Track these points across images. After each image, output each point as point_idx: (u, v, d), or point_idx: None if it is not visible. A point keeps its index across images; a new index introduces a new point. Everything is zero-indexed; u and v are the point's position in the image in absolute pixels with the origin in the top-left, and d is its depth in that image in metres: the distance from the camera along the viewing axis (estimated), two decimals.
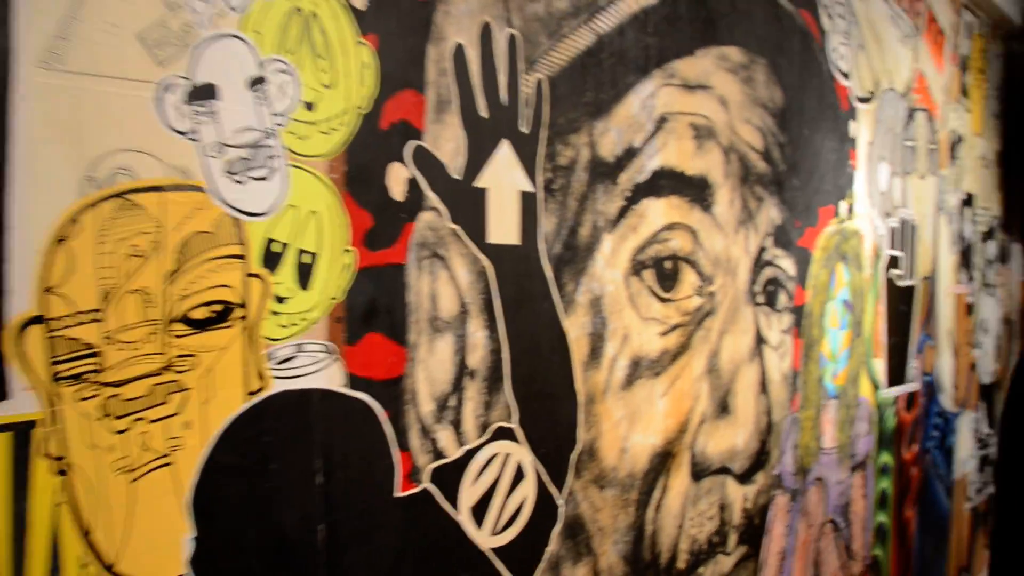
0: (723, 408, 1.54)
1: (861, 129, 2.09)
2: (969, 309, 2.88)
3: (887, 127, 2.24)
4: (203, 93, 0.87)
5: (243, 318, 0.90)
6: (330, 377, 0.97)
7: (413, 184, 1.06)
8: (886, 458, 2.27)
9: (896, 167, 2.29)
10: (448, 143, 1.10)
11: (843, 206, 1.98)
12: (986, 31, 3.14)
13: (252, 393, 0.91)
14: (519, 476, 1.19)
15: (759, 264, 1.65)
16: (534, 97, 1.21)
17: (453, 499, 1.10)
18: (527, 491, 1.20)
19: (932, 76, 2.61)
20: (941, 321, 2.61)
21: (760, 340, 1.65)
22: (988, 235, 3.11)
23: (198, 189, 0.86)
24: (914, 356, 2.39)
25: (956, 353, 2.74)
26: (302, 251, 0.96)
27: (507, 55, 1.17)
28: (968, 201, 2.92)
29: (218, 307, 0.88)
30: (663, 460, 1.41)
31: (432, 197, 1.07)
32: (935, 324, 2.56)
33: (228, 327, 0.89)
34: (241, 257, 0.90)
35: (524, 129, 1.19)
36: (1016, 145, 3.20)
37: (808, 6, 1.86)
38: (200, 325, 0.87)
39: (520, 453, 1.19)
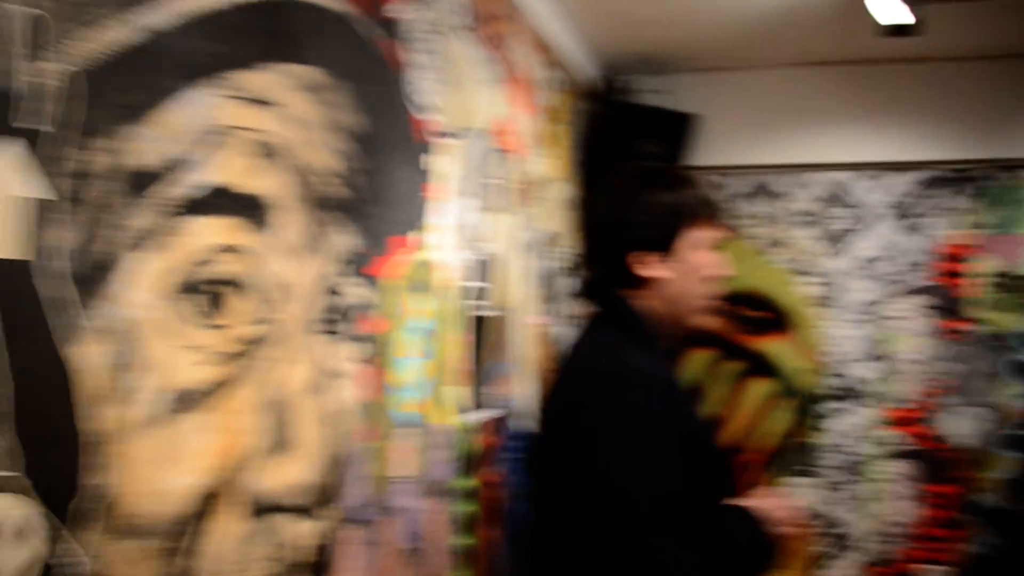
0: (282, 442, 1.47)
1: (445, 163, 2.15)
2: (549, 339, 3.10)
3: (472, 165, 2.34)
4: None
5: None
6: None
7: None
8: (469, 482, 2.34)
9: (482, 203, 2.40)
10: None
11: (420, 236, 2.02)
12: (570, 88, 3.45)
13: None
14: (20, 535, 1.01)
15: (328, 291, 1.60)
16: (59, 91, 1.05)
17: None
18: (28, 552, 1.03)
19: (521, 121, 2.80)
20: (521, 350, 2.77)
21: (326, 369, 1.60)
22: (569, 271, 3.39)
23: None
24: (492, 383, 2.51)
25: (537, 379, 2.93)
26: None
27: (22, 38, 1.00)
28: (552, 240, 3.16)
29: None
30: (209, 501, 1.29)
31: None
32: (515, 352, 2.72)
33: None
34: None
35: (40, 126, 1.03)
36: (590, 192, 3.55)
37: (389, 37, 1.88)
38: None
39: (22, 507, 1.02)
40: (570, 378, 1.44)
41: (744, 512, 1.42)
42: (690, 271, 1.45)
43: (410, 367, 1.97)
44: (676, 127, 3.59)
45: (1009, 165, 3.63)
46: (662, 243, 1.44)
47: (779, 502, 1.47)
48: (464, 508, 2.32)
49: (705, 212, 1.47)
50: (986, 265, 3.64)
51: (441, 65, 2.14)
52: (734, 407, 3.77)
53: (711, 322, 1.54)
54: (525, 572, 1.48)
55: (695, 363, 3.79)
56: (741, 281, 3.78)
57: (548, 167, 3.13)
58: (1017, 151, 3.61)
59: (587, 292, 1.55)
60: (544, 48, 3.09)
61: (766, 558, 1.42)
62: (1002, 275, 3.63)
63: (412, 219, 1.99)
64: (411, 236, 1.98)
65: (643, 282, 1.45)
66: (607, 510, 1.28)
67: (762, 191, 3.85)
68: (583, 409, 1.35)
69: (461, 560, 2.30)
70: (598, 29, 3.34)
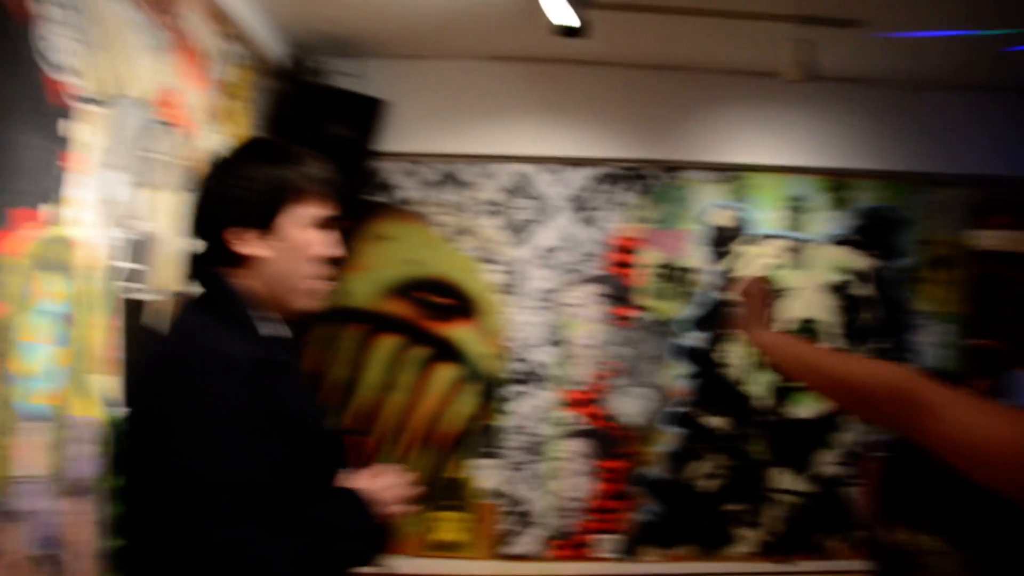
0: None
1: (88, 132, 1.96)
2: None
3: (126, 136, 2.15)
4: None
5: None
6: None
7: None
8: (122, 479, 2.16)
9: (136, 179, 2.22)
10: None
11: (55, 210, 1.82)
12: (253, 64, 3.30)
13: None
14: None
15: None
16: None
17: None
18: None
19: (188, 94, 2.62)
20: None
21: None
22: None
23: None
24: None
25: None
26: None
27: None
28: None
29: None
30: None
31: None
32: None
33: None
34: None
35: None
36: None
37: None
38: None
39: None
40: (152, 363, 1.35)
41: (351, 494, 1.39)
42: (293, 250, 1.40)
43: (39, 354, 1.77)
44: (365, 112, 3.56)
45: (672, 166, 3.99)
46: (261, 219, 1.38)
47: (390, 481, 1.46)
48: (117, 508, 2.14)
49: (314, 189, 1.42)
50: (651, 257, 3.96)
51: (83, 23, 1.94)
52: (421, 392, 3.83)
53: (318, 303, 1.47)
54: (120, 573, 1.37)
55: (382, 349, 3.80)
56: (428, 268, 3.84)
57: (224, 145, 2.97)
58: (679, 154, 3.98)
59: (189, 270, 1.45)
60: (222, 19, 2.92)
61: (374, 539, 1.40)
62: (665, 266, 3.97)
63: (44, 191, 1.78)
64: (43, 210, 1.77)
65: (242, 260, 1.38)
66: (182, 502, 1.21)
67: (450, 180, 3.93)
68: (161, 396, 1.26)
69: (114, 564, 2.12)
70: (285, 5, 3.23)
